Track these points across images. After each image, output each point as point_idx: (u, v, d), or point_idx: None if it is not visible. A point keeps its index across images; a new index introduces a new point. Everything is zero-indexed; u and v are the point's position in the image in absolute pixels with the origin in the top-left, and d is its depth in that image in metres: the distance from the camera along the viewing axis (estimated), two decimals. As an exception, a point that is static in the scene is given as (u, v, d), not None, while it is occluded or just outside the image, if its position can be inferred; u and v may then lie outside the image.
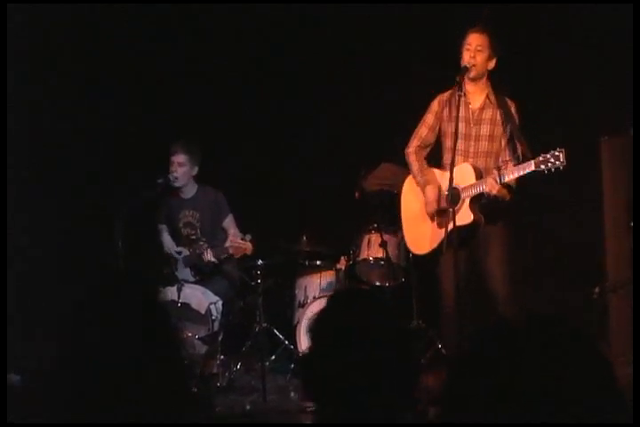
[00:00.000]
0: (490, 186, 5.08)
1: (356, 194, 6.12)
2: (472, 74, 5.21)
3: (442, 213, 5.30)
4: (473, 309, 5.24)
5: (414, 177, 5.54)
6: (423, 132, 5.48)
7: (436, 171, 5.47)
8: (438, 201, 5.33)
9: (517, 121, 5.25)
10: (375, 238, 6.18)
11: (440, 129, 5.42)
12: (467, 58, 5.19)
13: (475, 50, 5.18)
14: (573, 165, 4.91)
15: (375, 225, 6.19)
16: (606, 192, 6.04)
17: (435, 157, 5.54)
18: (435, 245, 5.30)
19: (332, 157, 6.88)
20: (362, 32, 6.93)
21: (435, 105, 5.42)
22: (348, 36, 6.96)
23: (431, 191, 5.38)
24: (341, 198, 6.36)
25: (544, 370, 1.25)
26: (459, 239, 5.17)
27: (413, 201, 5.58)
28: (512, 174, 5.04)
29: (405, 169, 5.70)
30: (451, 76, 5.24)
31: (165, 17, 7.06)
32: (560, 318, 1.32)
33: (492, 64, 5.26)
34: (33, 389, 5.03)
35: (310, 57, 7.07)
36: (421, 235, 5.48)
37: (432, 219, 5.40)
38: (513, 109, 5.30)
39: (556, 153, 4.86)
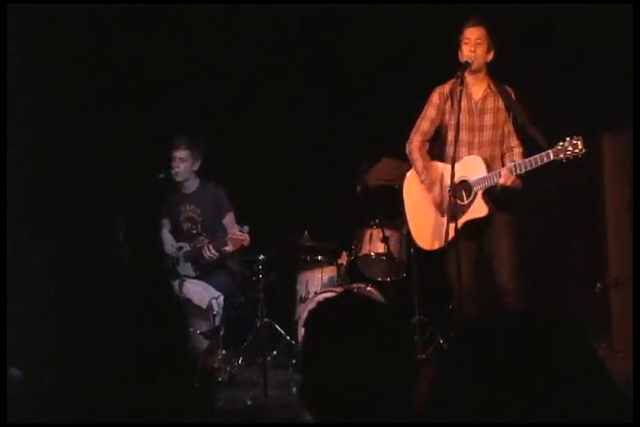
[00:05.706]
0: (505, 177, 5.06)
1: (358, 189, 6.11)
2: (473, 67, 5.22)
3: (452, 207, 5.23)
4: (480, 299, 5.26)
5: (419, 175, 5.46)
6: (425, 125, 5.44)
7: (440, 164, 5.38)
8: (447, 199, 5.17)
9: (520, 107, 5.24)
10: (377, 233, 6.18)
11: (442, 122, 5.38)
12: (466, 52, 5.20)
13: (474, 43, 5.19)
14: (575, 161, 4.89)
15: (377, 220, 6.18)
16: (608, 188, 6.04)
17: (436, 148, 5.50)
18: (446, 239, 5.08)
19: (333, 152, 6.87)
20: (361, 24, 6.91)
21: (435, 98, 5.39)
22: (348, 28, 6.94)
23: (438, 192, 5.32)
24: (343, 193, 6.35)
25: (536, 367, 1.24)
26: (471, 232, 5.17)
27: (417, 196, 5.52)
28: (529, 166, 4.98)
29: (406, 163, 5.68)
30: (449, 68, 5.24)
31: (166, 12, 7.04)
32: (550, 314, 1.31)
33: (490, 56, 5.27)
34: (34, 383, 5.06)
35: (312, 48, 7.05)
36: (431, 230, 5.39)
37: (442, 214, 5.30)
38: (513, 96, 5.30)
39: (574, 141, 4.83)
